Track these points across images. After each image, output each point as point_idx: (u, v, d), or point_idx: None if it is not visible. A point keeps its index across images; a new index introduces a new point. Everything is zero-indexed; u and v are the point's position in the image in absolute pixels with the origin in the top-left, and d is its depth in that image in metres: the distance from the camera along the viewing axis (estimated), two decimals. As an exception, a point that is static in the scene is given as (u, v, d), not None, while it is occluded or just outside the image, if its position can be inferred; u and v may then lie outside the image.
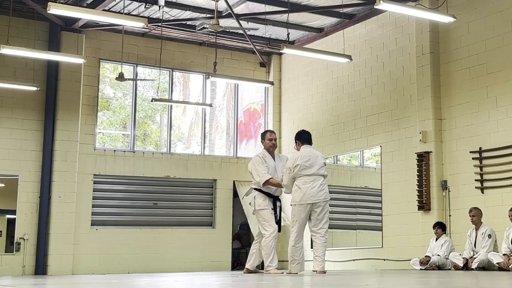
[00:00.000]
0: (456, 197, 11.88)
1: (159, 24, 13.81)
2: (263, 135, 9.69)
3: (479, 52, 11.74)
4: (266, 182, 9.19)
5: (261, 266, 10.15)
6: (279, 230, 9.34)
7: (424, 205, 12.08)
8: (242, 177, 15.57)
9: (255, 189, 9.38)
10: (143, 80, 15.61)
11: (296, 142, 9.24)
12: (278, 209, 9.37)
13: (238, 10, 13.60)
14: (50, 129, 13.68)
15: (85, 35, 14.13)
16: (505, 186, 11.16)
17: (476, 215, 10.93)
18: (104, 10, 12.50)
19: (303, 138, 9.20)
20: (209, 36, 14.83)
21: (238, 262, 15.64)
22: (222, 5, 13.18)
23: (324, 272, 8.66)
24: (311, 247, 14.58)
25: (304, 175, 8.76)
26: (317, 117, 14.99)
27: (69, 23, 13.68)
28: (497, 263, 10.24)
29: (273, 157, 9.54)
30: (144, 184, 14.74)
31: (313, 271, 8.76)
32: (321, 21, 14.47)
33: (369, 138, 13.69)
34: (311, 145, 9.23)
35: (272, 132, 9.81)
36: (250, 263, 9.69)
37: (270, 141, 9.48)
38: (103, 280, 8.17)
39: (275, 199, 9.36)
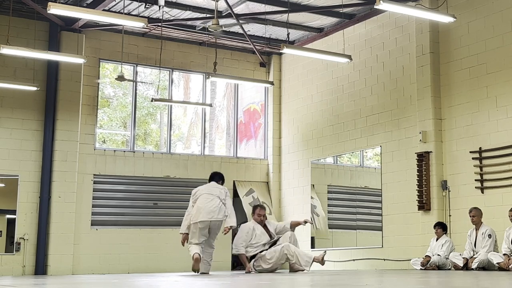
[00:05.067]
0: (456, 197, 11.88)
1: (159, 24, 13.81)
2: (254, 209, 11.17)
3: (479, 52, 11.74)
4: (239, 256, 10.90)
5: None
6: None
7: (424, 205, 12.08)
8: (242, 177, 15.57)
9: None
10: (143, 82, 15.61)
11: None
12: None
13: (238, 10, 13.61)
14: (50, 129, 13.68)
15: (85, 35, 14.13)
16: (505, 186, 11.16)
17: (476, 215, 10.93)
18: (104, 10, 12.50)
19: (210, 177, 10.56)
20: (209, 36, 14.83)
21: (238, 262, 15.63)
22: (222, 5, 13.18)
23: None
24: (311, 247, 14.64)
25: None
26: (317, 117, 14.99)
27: (69, 23, 13.68)
28: (497, 263, 10.24)
29: (265, 228, 10.95)
30: (144, 184, 14.73)
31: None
32: (321, 21, 14.47)
33: (369, 138, 13.69)
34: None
35: (262, 208, 11.13)
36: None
37: (259, 217, 10.89)
38: (103, 280, 8.17)
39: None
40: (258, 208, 11.04)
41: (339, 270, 12.74)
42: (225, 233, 10.12)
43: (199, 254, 9.61)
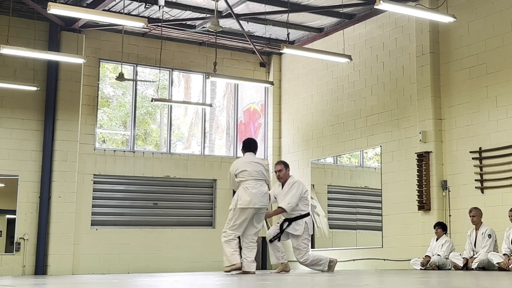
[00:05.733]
0: (456, 197, 11.88)
1: (159, 24, 13.81)
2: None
3: (479, 52, 11.74)
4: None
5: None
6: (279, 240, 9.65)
7: (424, 205, 12.08)
8: (242, 177, 15.55)
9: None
10: (143, 81, 15.60)
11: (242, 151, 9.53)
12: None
13: (238, 10, 13.61)
14: (50, 129, 13.68)
15: (85, 35, 14.13)
16: (505, 186, 11.16)
17: (476, 215, 10.93)
18: (104, 10, 12.50)
19: (245, 146, 9.45)
20: (209, 36, 14.83)
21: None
22: (222, 5, 13.18)
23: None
24: (311, 247, 14.61)
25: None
26: (317, 117, 14.99)
27: (69, 23, 13.68)
28: (497, 263, 10.24)
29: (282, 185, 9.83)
30: (144, 184, 14.74)
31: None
32: (321, 21, 14.47)
33: (369, 138, 13.69)
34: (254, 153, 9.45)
35: (276, 164, 10.05)
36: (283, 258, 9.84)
37: (275, 173, 9.90)
38: (103, 280, 8.17)
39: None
40: (276, 165, 10.10)
41: (339, 270, 12.74)
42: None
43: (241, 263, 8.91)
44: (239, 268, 8.79)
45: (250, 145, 9.42)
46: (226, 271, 8.94)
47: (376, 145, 13.57)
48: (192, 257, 14.80)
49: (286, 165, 9.85)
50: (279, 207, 9.61)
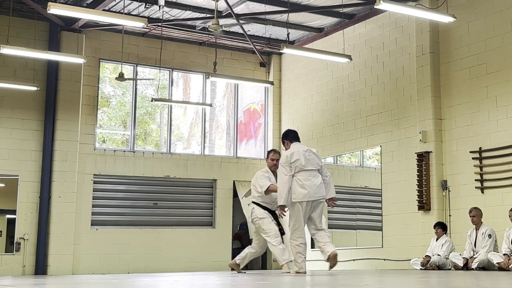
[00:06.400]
0: (456, 197, 11.88)
1: (159, 24, 13.81)
2: (268, 154, 10.00)
3: (479, 52, 11.74)
4: (268, 190, 9.37)
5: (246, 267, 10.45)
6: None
7: (424, 205, 12.08)
8: (242, 177, 15.57)
9: (253, 202, 9.65)
10: (143, 79, 15.60)
11: (284, 142, 9.18)
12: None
13: (238, 10, 13.61)
14: (50, 129, 13.69)
15: (85, 35, 14.13)
16: (505, 186, 11.16)
17: (476, 215, 10.93)
18: (104, 10, 12.50)
19: (290, 136, 9.14)
20: (209, 36, 14.83)
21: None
22: (222, 5, 13.18)
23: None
24: (311, 247, 14.61)
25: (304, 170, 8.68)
26: (317, 117, 14.99)
27: (69, 23, 13.68)
28: (497, 263, 10.24)
29: (275, 175, 9.70)
30: (144, 184, 14.74)
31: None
32: (321, 21, 14.47)
33: (369, 138, 13.69)
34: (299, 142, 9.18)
35: (275, 152, 9.97)
36: (241, 262, 9.82)
37: (272, 161, 9.73)
38: (103, 280, 8.17)
39: (273, 213, 9.52)
40: (272, 152, 9.98)
41: (339, 270, 12.73)
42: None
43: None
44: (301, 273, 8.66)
45: (294, 134, 9.11)
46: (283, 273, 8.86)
47: (376, 145, 13.58)
48: (192, 257, 14.80)
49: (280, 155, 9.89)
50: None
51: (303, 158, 8.76)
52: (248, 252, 9.81)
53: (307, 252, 8.89)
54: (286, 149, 9.05)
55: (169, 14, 13.85)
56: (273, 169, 9.68)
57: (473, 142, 11.72)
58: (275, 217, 9.47)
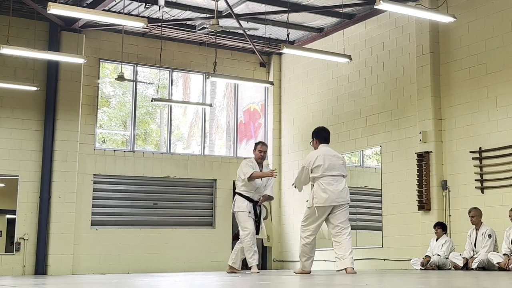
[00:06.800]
0: (456, 197, 11.88)
1: (159, 24, 13.81)
2: (255, 145, 10.28)
3: (479, 52, 11.74)
4: (251, 177, 9.81)
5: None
6: (257, 233, 9.93)
7: (424, 205, 12.08)
8: (242, 177, 15.54)
9: (236, 192, 10.08)
10: (143, 82, 15.61)
11: (313, 139, 8.91)
12: (259, 215, 10.04)
13: (238, 10, 13.61)
14: (50, 129, 13.69)
15: (85, 35, 14.13)
16: (505, 186, 11.16)
17: (475, 216, 10.93)
18: (104, 10, 12.50)
19: (321, 136, 8.84)
20: (209, 36, 14.83)
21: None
22: (222, 5, 13.18)
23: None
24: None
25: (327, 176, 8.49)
26: (317, 117, 14.98)
27: (69, 23, 13.68)
28: (497, 263, 10.24)
29: (260, 167, 10.13)
30: (144, 184, 14.74)
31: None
32: (321, 21, 14.47)
33: (369, 138, 13.69)
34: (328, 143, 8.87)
35: (264, 144, 10.32)
36: (234, 262, 10.10)
37: (259, 153, 10.09)
38: (103, 280, 8.17)
39: (255, 204, 9.98)
40: (260, 144, 10.14)
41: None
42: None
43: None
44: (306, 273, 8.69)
45: (326, 135, 8.80)
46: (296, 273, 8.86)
47: (376, 145, 13.57)
48: (192, 257, 14.80)
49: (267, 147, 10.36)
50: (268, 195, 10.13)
51: (328, 163, 8.50)
52: (238, 249, 10.05)
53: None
54: (314, 148, 8.82)
55: (169, 14, 13.85)
56: (260, 160, 10.07)
57: (473, 142, 11.72)
58: (255, 207, 9.93)
